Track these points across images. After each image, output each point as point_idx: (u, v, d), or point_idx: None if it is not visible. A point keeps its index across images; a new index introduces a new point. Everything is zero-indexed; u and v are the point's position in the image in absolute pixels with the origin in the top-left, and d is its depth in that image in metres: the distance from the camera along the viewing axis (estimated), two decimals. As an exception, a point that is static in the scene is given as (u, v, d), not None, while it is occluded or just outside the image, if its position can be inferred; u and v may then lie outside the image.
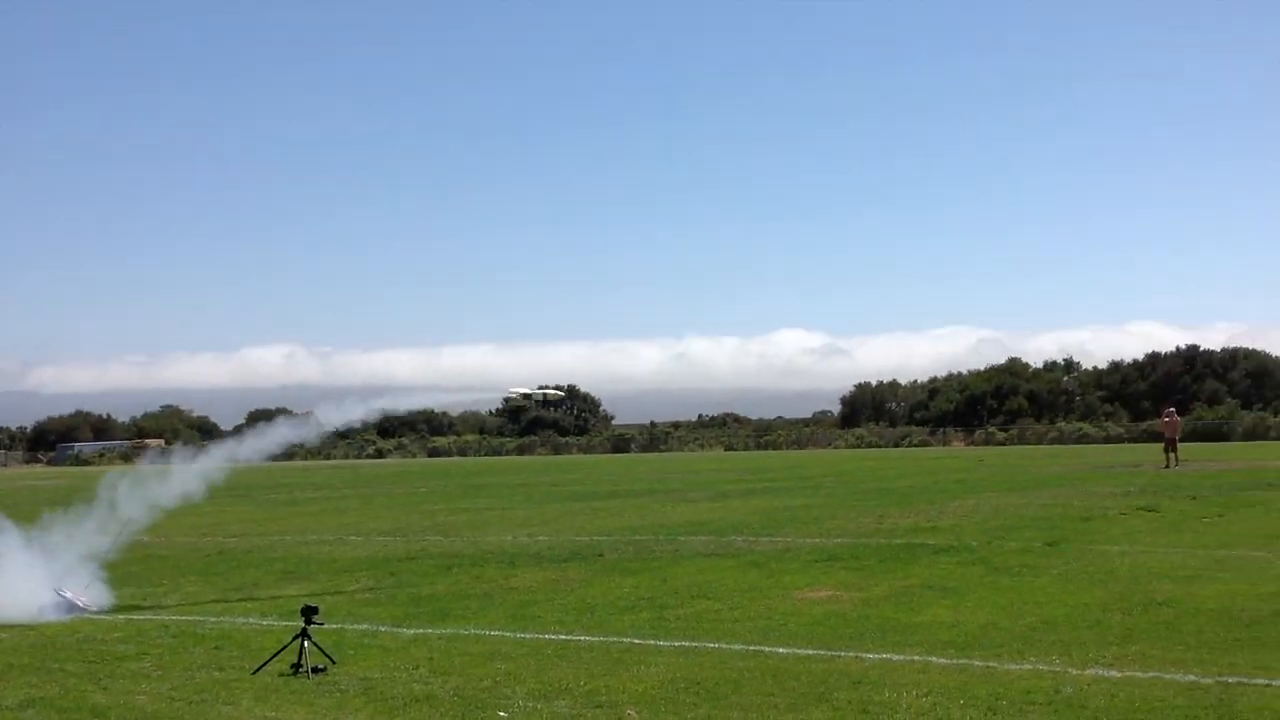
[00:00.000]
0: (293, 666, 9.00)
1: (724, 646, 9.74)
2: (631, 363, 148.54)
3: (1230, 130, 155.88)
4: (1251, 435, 73.17)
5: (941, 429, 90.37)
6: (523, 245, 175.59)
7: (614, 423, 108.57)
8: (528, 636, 10.43)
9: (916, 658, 9.01)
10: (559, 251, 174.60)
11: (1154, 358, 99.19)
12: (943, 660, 8.89)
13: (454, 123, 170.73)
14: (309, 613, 9.35)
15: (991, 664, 8.70)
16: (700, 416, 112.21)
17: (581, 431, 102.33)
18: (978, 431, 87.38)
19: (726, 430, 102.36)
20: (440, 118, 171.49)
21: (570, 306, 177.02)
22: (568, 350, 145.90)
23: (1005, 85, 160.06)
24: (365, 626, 11.21)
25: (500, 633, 10.69)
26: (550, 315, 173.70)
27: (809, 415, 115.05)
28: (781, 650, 9.51)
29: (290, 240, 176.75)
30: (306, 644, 9.06)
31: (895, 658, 9.05)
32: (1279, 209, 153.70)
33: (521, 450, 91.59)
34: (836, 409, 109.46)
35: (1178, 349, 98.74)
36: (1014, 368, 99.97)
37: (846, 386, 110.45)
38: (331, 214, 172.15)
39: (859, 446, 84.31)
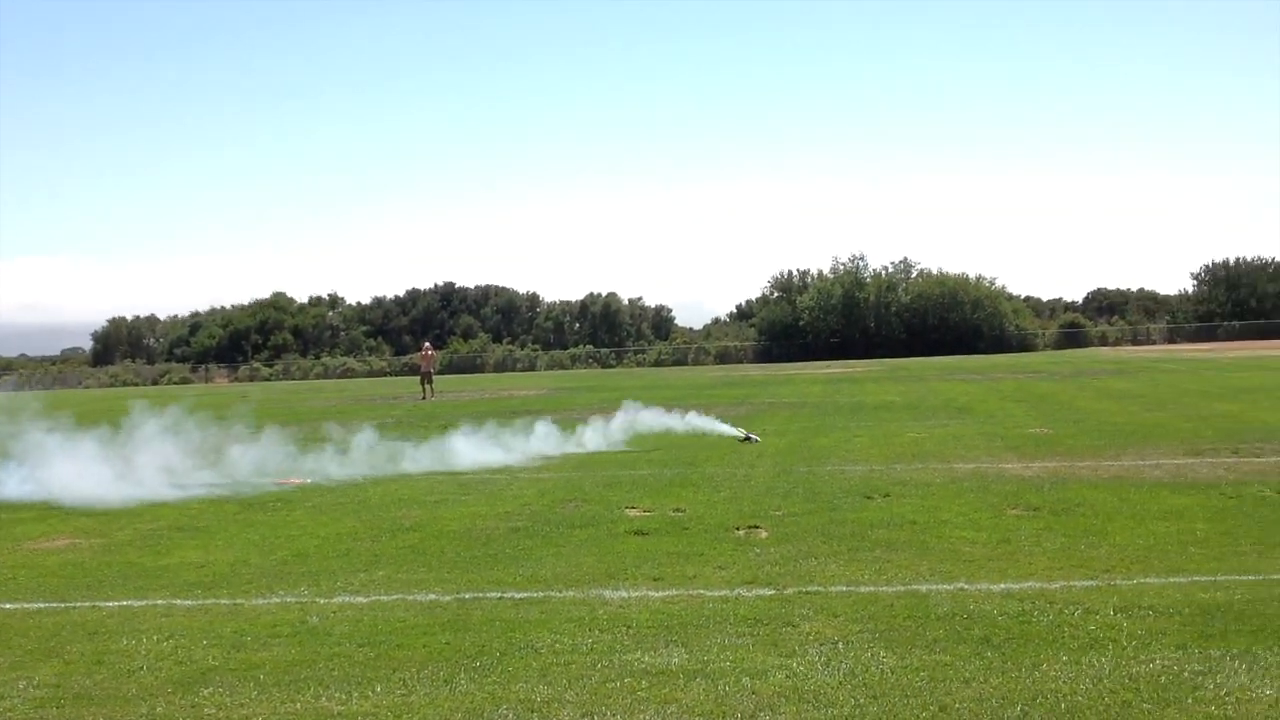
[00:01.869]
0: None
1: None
2: None
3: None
4: (501, 367, 80.00)
5: (204, 365, 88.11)
6: None
7: None
8: None
9: (160, 601, 8.62)
10: None
11: (414, 294, 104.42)
12: (188, 602, 8.58)
13: None
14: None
15: (239, 601, 8.57)
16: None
17: None
18: (242, 368, 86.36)
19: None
20: None
21: None
22: None
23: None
24: None
25: None
26: None
27: (58, 353, 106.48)
28: (8, 606, 8.64)
29: None
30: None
31: (136, 603, 8.58)
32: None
33: None
34: (88, 345, 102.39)
35: (435, 286, 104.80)
36: (279, 302, 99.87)
37: (99, 321, 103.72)
38: None
39: (114, 385, 79.45)
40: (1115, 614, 7.16)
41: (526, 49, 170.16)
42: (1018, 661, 6.27)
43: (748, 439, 18.84)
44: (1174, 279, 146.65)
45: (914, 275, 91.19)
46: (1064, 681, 5.91)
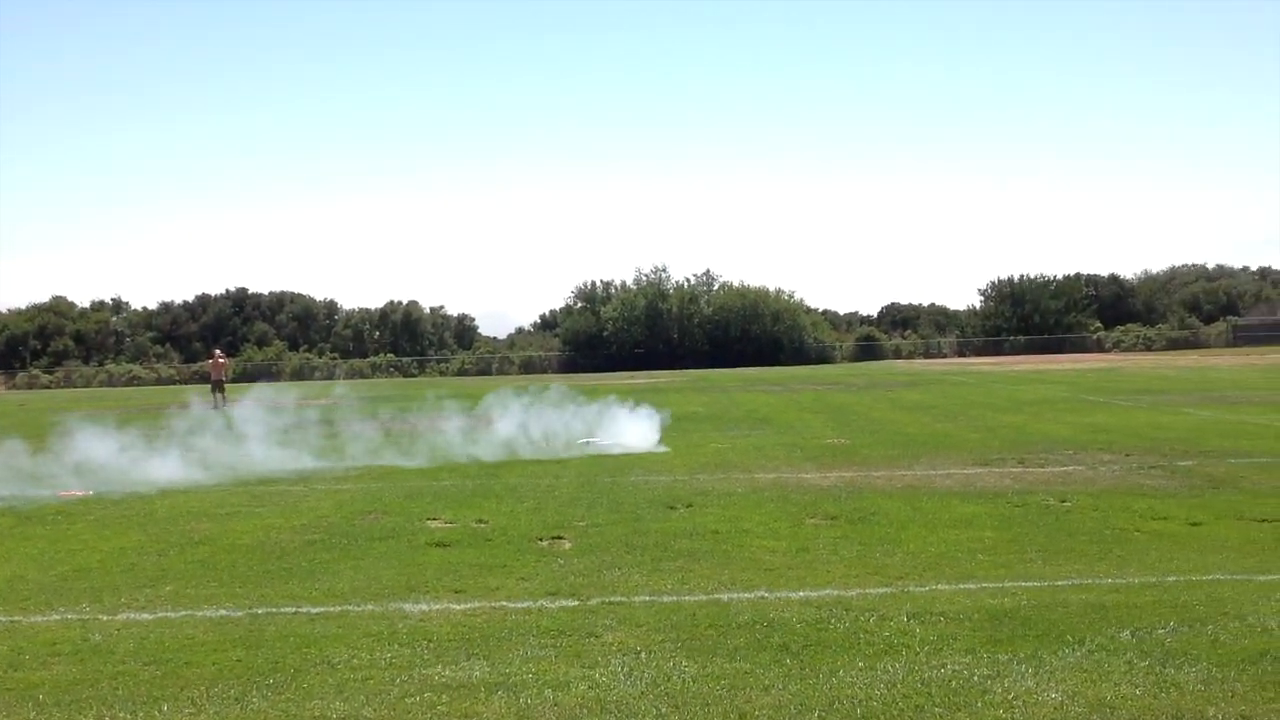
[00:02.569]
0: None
1: None
2: None
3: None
4: (299, 375, 77.97)
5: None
6: None
7: None
8: None
9: (-77, 622, 8.09)
10: None
11: (204, 299, 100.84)
12: (-42, 621, 8.08)
13: None
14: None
15: (16, 618, 8.10)
16: None
17: None
18: (20, 375, 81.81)
19: None
20: None
21: None
22: None
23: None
24: None
25: None
26: None
27: None
28: None
29: None
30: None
31: (-101, 625, 8.03)
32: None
33: None
34: None
35: (227, 291, 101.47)
36: (59, 307, 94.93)
37: None
38: None
39: (-127, 391, 74.10)
40: (909, 620, 7.42)
41: (329, 45, 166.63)
42: (815, 668, 6.44)
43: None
44: (963, 294, 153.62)
45: (716, 288, 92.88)
46: (860, 687, 6.09)
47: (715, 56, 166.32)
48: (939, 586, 8.40)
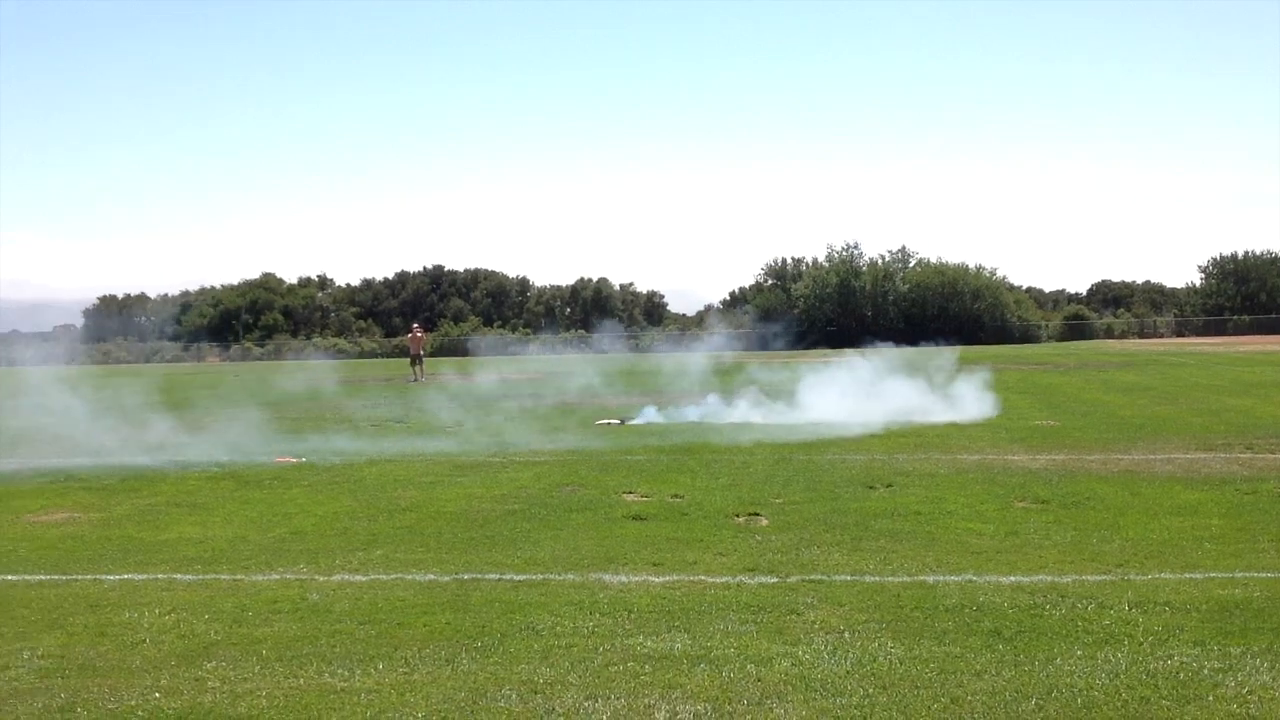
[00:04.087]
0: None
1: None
2: None
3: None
4: (493, 350, 79.87)
5: (195, 344, 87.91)
6: None
7: None
8: None
9: (160, 576, 8.57)
10: None
11: (403, 276, 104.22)
12: (188, 577, 8.53)
13: None
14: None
15: (239, 576, 8.51)
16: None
17: None
18: (233, 347, 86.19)
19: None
20: None
21: None
22: None
23: None
24: None
25: None
26: None
27: (49, 329, 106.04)
28: (10, 578, 8.62)
29: None
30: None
31: (137, 577, 8.53)
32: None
33: None
34: (80, 322, 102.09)
35: (425, 268, 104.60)
36: (268, 283, 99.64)
37: (89, 298, 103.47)
38: None
39: (106, 363, 79.29)
40: (1130, 609, 7.10)
41: (522, 31, 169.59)
42: (1030, 655, 6.21)
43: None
44: (1181, 272, 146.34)
45: (912, 264, 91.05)
46: (1079, 676, 5.85)
47: (923, 28, 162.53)
48: (1162, 575, 8.00)
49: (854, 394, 21.79)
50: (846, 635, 6.63)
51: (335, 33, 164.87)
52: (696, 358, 39.12)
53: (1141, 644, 6.38)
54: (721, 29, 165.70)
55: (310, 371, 50.49)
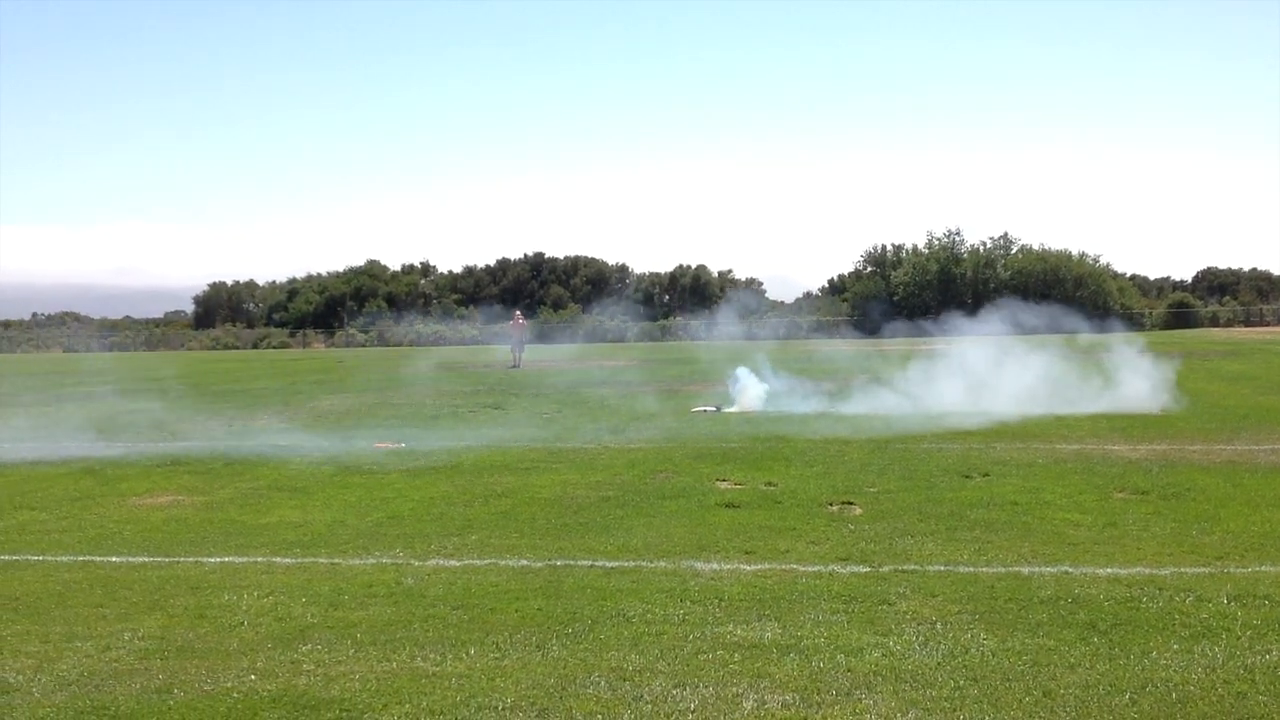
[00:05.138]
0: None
1: (49, 559, 8.93)
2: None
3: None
4: (591, 337, 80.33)
5: (301, 330, 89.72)
6: None
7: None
8: None
9: (260, 559, 8.77)
10: None
11: (504, 263, 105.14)
12: (287, 560, 8.72)
13: None
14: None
15: (336, 560, 8.68)
16: (35, 315, 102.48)
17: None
18: (338, 333, 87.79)
19: (66, 330, 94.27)
20: None
21: None
22: None
23: None
24: None
25: None
26: None
27: (160, 315, 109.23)
28: (114, 559, 8.88)
29: None
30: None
31: (237, 560, 8.75)
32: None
33: None
34: (190, 309, 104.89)
35: (525, 255, 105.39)
36: (372, 270, 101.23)
37: (200, 285, 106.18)
38: None
39: (215, 349, 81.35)
40: (1229, 603, 6.91)
41: (622, 17, 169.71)
42: (1125, 648, 6.07)
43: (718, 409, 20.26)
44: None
45: (1014, 251, 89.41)
46: (1175, 670, 5.71)
47: (1010, 13, 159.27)
48: (1263, 568, 7.77)
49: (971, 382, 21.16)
50: (939, 626, 6.55)
51: (441, 20, 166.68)
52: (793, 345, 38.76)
53: (1239, 638, 6.21)
54: (826, 14, 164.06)
55: (413, 358, 51.25)
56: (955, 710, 5.28)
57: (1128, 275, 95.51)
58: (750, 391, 21.10)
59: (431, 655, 6.25)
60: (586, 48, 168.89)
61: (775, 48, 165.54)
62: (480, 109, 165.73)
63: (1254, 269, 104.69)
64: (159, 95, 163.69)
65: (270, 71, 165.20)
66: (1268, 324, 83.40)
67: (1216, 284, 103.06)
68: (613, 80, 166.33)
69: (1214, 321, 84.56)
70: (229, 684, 5.88)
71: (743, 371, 21.79)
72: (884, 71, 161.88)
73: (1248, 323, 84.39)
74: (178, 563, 8.71)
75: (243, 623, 7.00)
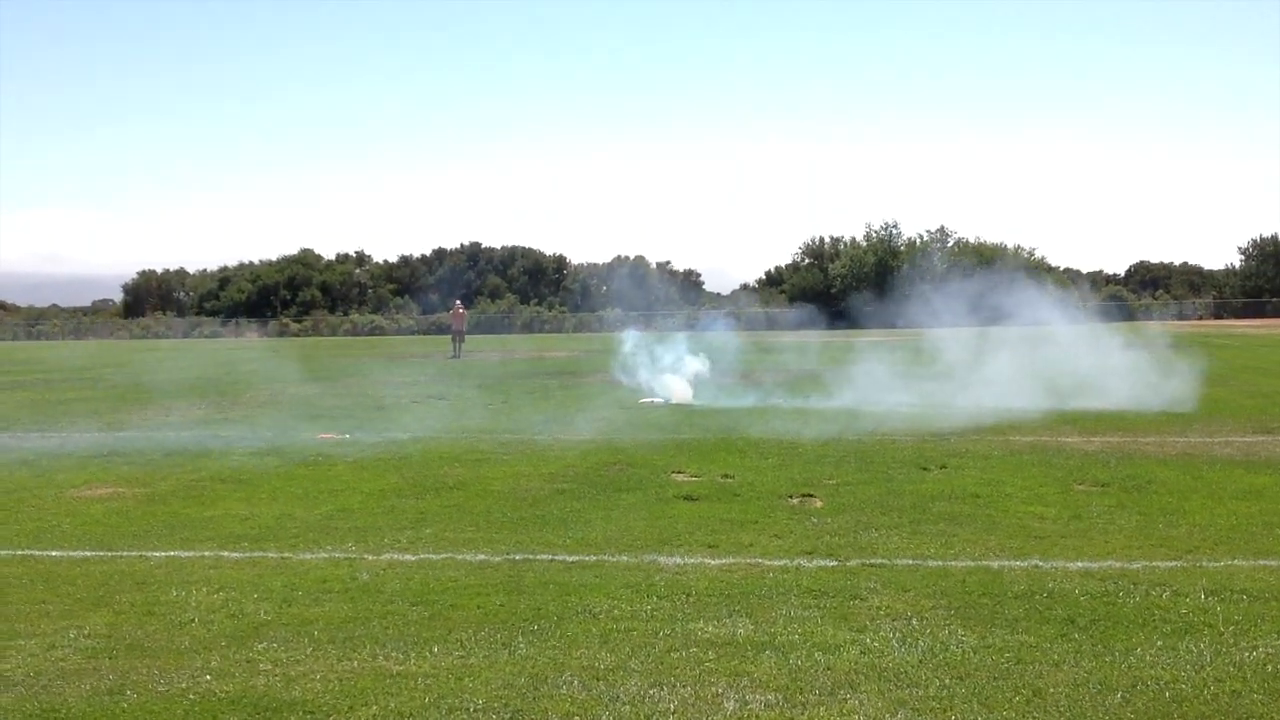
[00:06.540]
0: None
1: (-15, 553, 8.54)
2: None
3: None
4: (529, 328, 79.83)
5: (234, 319, 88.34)
6: None
7: None
8: None
9: (207, 553, 8.44)
10: None
11: (441, 253, 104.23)
12: (236, 554, 8.40)
13: None
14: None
15: (287, 554, 8.37)
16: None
17: None
18: (271, 322, 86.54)
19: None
20: None
21: None
22: None
23: None
24: None
25: None
26: None
27: (89, 304, 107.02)
28: (54, 553, 8.52)
29: None
30: None
31: (184, 554, 8.41)
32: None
33: None
34: (119, 297, 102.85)
35: (462, 245, 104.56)
36: (306, 259, 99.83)
37: (128, 273, 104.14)
38: None
39: (146, 337, 79.84)
40: (1207, 597, 6.83)
41: (555, 6, 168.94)
42: (1109, 645, 5.96)
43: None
44: (1219, 254, 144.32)
45: (950, 244, 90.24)
46: (1163, 668, 5.60)
47: (946, 6, 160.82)
48: (1235, 562, 7.73)
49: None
50: (914, 622, 6.41)
51: (377, 8, 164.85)
52: (734, 337, 38.78)
53: (1223, 634, 6.13)
54: (760, 6, 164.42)
55: (348, 348, 50.59)
56: (945, 710, 5.13)
57: (1062, 269, 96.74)
58: (677, 387, 21.01)
59: (394, 654, 6.00)
60: (522, 37, 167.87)
61: (713, 39, 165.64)
62: (415, 97, 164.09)
63: (1185, 263, 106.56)
64: (81, 82, 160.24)
65: (199, 58, 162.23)
66: (1199, 318, 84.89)
67: (1149, 278, 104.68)
68: (550, 70, 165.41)
69: (1146, 315, 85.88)
70: (184, 684, 5.60)
71: (630, 334, 21.86)
72: (823, 62, 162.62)
73: (1180, 317, 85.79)
74: (121, 557, 8.36)
75: (193, 620, 6.69)
